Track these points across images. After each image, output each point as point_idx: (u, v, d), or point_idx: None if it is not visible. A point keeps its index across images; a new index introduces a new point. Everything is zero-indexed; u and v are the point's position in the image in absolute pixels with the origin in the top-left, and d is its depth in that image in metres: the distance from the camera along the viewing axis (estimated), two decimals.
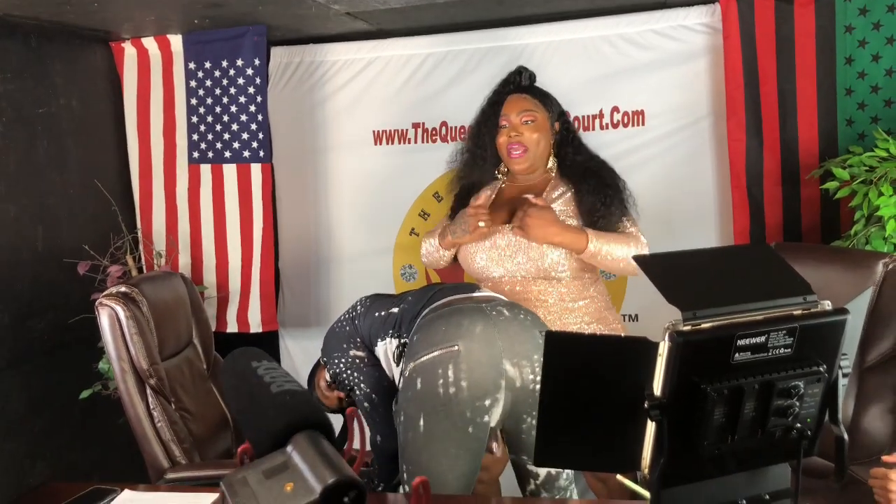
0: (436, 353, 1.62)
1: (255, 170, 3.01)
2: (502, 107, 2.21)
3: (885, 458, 1.65)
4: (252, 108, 2.98)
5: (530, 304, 2.10)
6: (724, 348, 0.93)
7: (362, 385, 1.85)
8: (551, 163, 2.23)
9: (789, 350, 0.96)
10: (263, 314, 3.07)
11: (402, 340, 1.80)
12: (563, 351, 0.94)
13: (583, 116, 2.91)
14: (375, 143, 3.14)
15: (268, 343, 3.19)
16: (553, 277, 2.11)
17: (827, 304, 1.00)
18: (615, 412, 0.95)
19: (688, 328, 0.92)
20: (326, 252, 3.23)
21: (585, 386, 0.95)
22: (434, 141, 3.06)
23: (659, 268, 0.98)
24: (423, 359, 1.63)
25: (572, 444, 0.97)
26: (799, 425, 0.97)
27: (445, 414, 1.59)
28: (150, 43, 3.08)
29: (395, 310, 1.85)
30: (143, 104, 3.12)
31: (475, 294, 1.81)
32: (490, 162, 2.28)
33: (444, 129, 3.05)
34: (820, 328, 0.98)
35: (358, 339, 1.89)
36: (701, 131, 2.79)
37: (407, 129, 3.11)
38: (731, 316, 0.94)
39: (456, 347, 1.61)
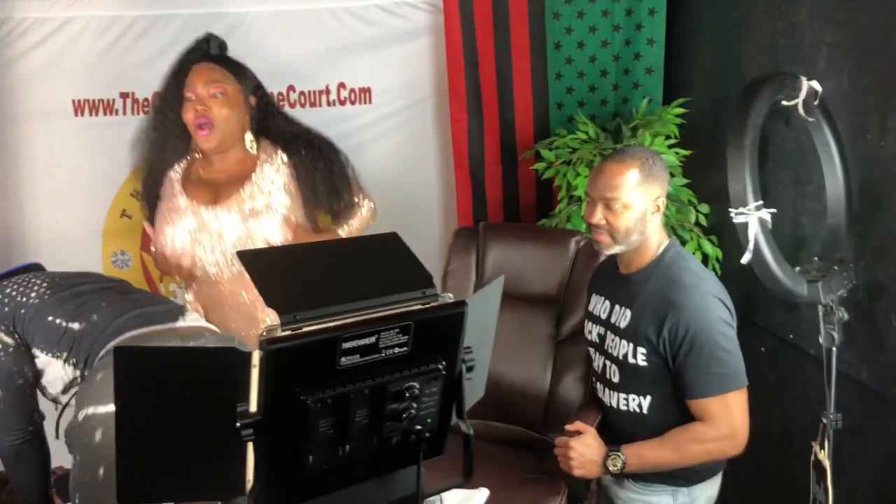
0: None
1: None
2: (187, 77, 2.00)
3: (567, 427, 1.73)
4: None
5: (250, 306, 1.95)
6: (328, 353, 0.84)
7: None
8: (249, 141, 2.06)
9: (406, 349, 0.90)
10: None
11: (80, 372, 1.57)
12: (138, 368, 0.79)
13: (309, 91, 2.77)
14: (76, 115, 2.75)
15: None
16: None
17: (448, 297, 0.95)
18: (208, 434, 0.83)
19: (287, 333, 0.82)
20: (19, 242, 2.78)
21: (170, 406, 0.81)
22: (146, 112, 2.74)
23: (261, 265, 0.87)
24: (106, 410, 1.43)
25: (161, 474, 0.83)
26: (418, 427, 0.92)
27: None
28: None
29: (76, 326, 1.59)
30: None
31: (178, 325, 1.60)
32: (180, 138, 2.07)
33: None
34: (437, 323, 0.92)
35: (12, 327, 1.61)
36: (426, 110, 2.79)
37: (114, 100, 2.76)
38: (337, 317, 0.85)
39: None
